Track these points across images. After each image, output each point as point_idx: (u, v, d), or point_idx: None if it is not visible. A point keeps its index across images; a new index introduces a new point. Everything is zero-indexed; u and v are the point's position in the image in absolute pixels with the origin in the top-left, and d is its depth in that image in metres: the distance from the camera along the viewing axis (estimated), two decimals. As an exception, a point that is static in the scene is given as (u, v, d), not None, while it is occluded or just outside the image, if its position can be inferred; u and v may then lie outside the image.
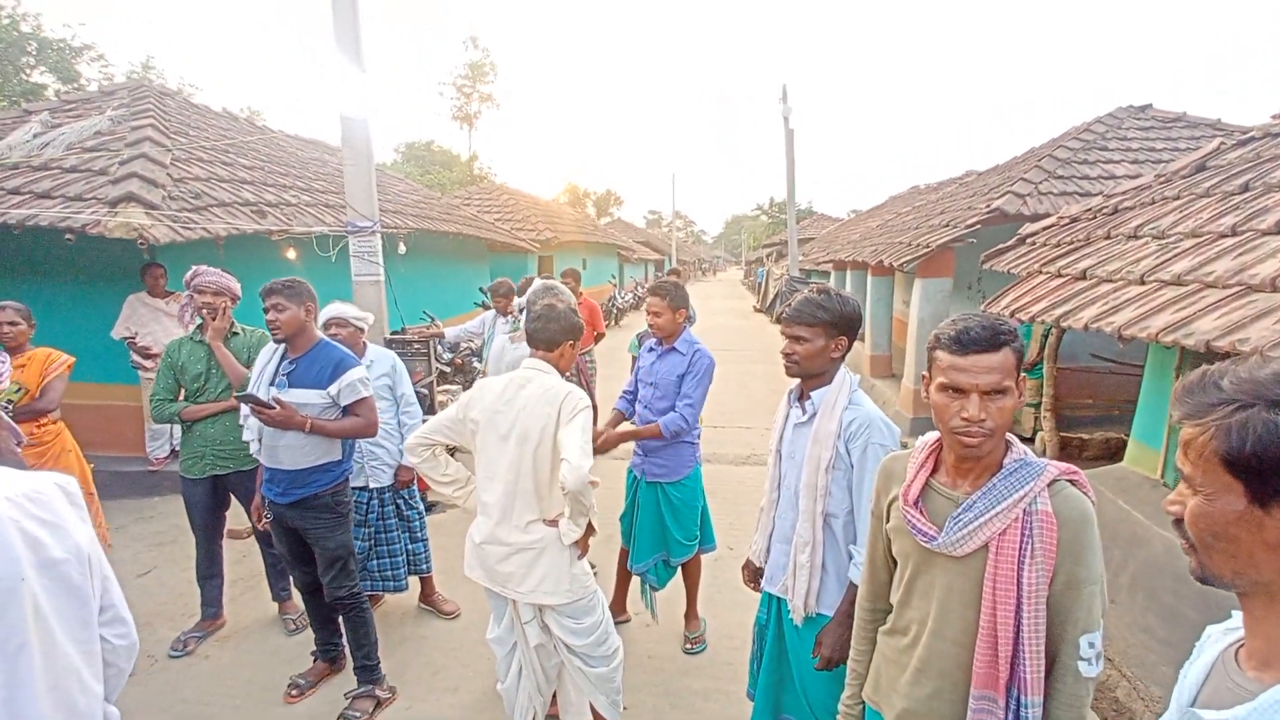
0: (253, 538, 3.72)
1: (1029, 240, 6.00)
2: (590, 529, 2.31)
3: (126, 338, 5.12)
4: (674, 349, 3.15)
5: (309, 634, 3.20)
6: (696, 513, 3.27)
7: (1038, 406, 6.59)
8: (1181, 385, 0.78)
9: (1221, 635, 0.84)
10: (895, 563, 1.52)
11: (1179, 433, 0.79)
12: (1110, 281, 3.77)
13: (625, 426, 3.27)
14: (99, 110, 6.54)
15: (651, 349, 3.27)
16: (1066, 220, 5.83)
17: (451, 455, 2.79)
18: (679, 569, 3.36)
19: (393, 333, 6.05)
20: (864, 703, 1.60)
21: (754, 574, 2.27)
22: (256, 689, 3.07)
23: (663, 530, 3.21)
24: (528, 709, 2.42)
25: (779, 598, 2.10)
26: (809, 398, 2.02)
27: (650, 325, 3.17)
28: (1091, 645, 1.27)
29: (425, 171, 28.61)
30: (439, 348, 6.61)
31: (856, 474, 1.91)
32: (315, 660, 3.13)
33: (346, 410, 2.78)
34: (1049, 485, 1.31)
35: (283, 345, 2.82)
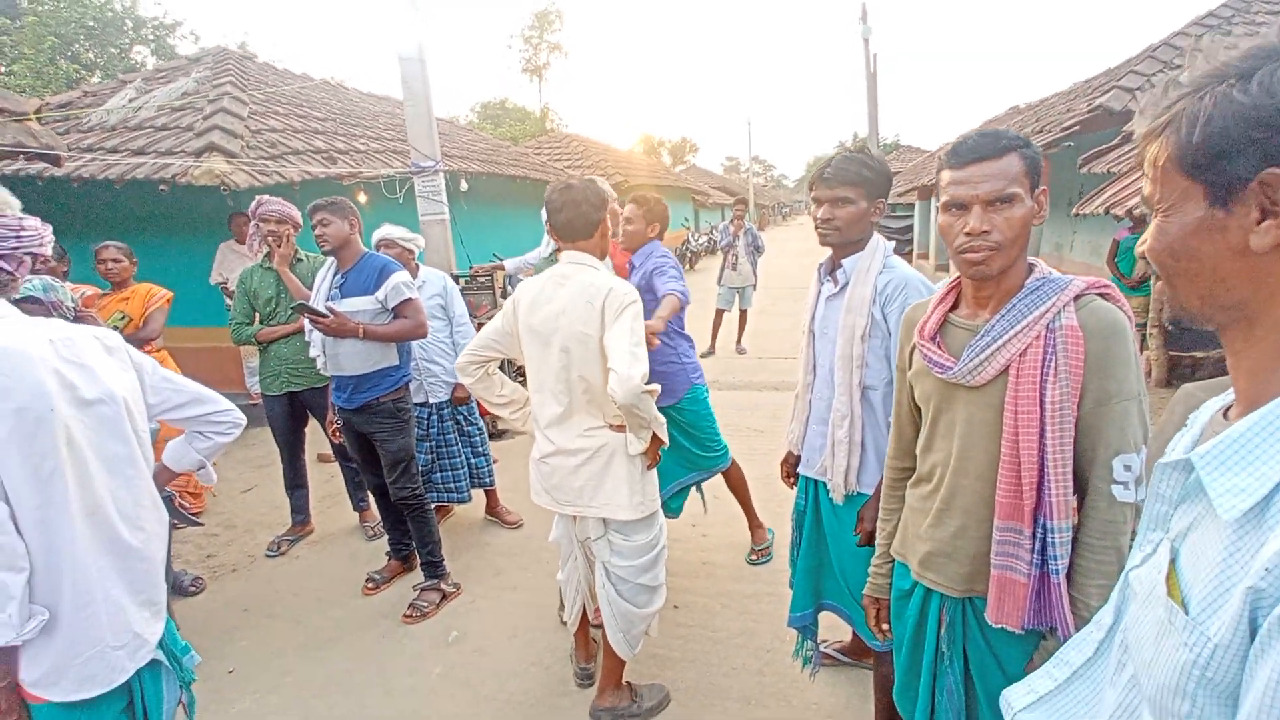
0: (336, 461, 3.99)
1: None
2: (657, 439, 2.10)
3: (220, 283, 5.53)
4: (631, 264, 3.01)
5: (385, 541, 3.43)
6: (713, 426, 3.15)
7: (1144, 326, 6.00)
8: (1145, 98, 0.66)
9: (1218, 401, 0.72)
10: (920, 413, 1.42)
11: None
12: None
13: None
14: (186, 75, 6.96)
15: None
16: (1181, 108, 5.15)
17: (516, 377, 2.81)
18: (690, 492, 3.29)
19: (460, 274, 6.22)
20: (892, 561, 1.53)
21: (792, 467, 2.20)
22: (338, 583, 3.34)
23: (681, 452, 3.10)
24: (576, 599, 2.46)
25: (817, 481, 2.03)
26: (840, 267, 1.89)
27: (623, 233, 2.98)
28: (1128, 468, 1.16)
29: (498, 126, 28.93)
30: (508, 285, 6.76)
31: (894, 340, 1.79)
32: (389, 559, 3.36)
33: (396, 314, 2.89)
34: (1075, 299, 1.20)
35: (334, 262, 2.98)
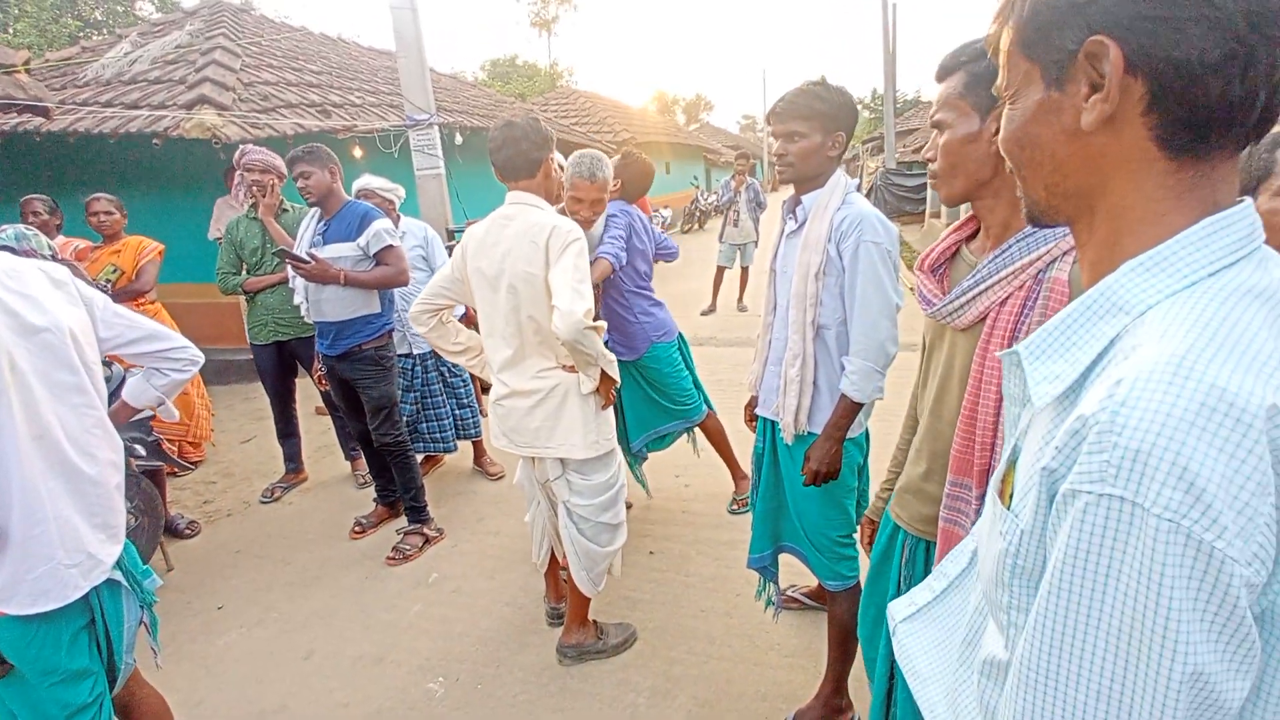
0: (328, 414, 4.06)
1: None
2: (608, 378, 2.11)
3: (218, 238, 5.56)
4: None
5: (375, 488, 3.51)
6: (680, 382, 3.14)
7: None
8: None
9: None
10: None
11: None
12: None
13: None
14: (180, 28, 6.89)
15: None
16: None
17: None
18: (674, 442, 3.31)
19: (455, 228, 6.20)
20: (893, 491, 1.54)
21: (753, 409, 2.19)
22: (328, 527, 3.44)
23: (652, 403, 3.12)
24: (544, 541, 2.48)
25: (773, 422, 2.03)
26: (800, 203, 1.86)
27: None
28: None
29: (507, 84, 28.46)
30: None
31: (848, 277, 1.76)
32: (376, 505, 3.44)
33: (377, 261, 2.91)
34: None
35: (318, 211, 2.99)
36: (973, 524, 1.20)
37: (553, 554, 2.51)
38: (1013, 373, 0.66)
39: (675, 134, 21.50)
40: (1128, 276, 0.54)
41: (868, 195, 16.82)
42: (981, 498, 1.18)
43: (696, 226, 17.40)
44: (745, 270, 7.84)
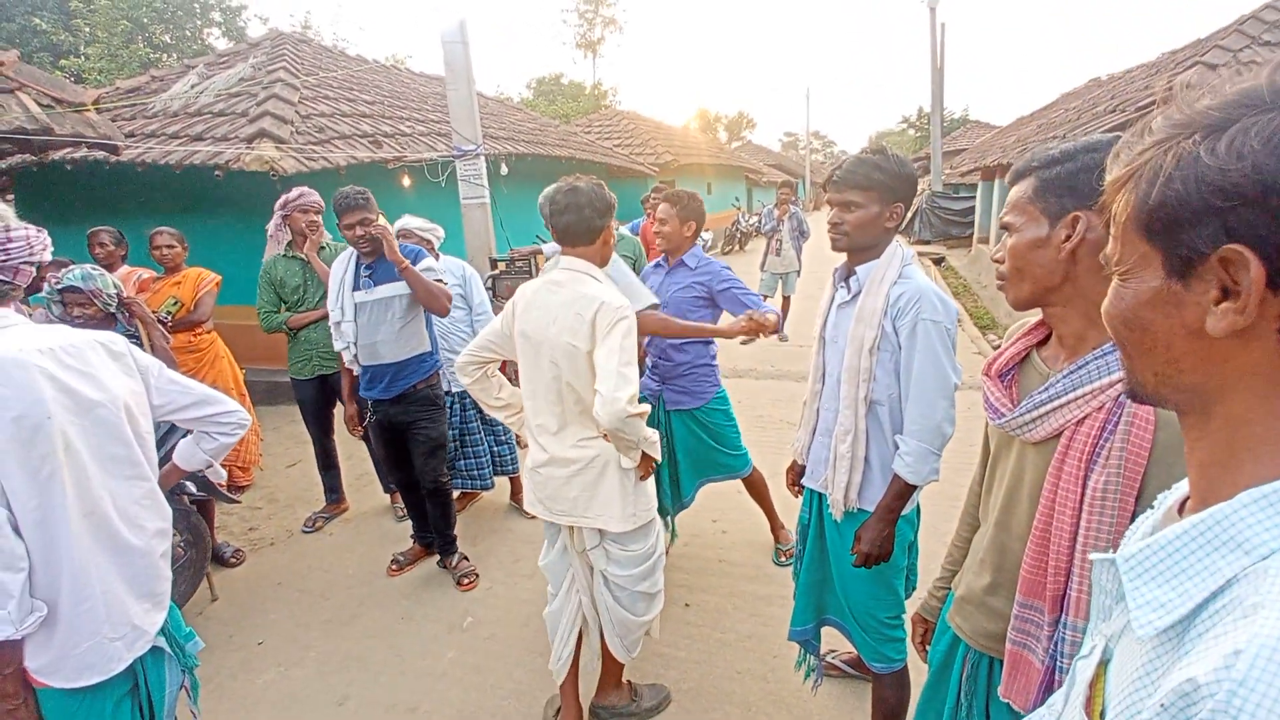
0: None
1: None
2: (648, 457, 2.03)
3: (272, 263, 5.75)
4: (682, 263, 2.91)
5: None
6: (736, 429, 3.12)
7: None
8: (1122, 140, 0.57)
9: (1181, 487, 0.65)
10: None
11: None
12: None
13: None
14: (244, 60, 7.20)
15: (658, 265, 3.01)
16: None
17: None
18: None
19: (499, 258, 6.27)
20: (950, 590, 1.46)
21: (797, 476, 2.13)
22: (367, 562, 3.47)
23: (709, 453, 3.06)
24: (569, 639, 2.23)
25: (820, 494, 1.96)
26: (854, 274, 1.80)
27: (656, 233, 2.92)
28: None
29: (552, 103, 28.96)
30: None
31: (905, 355, 1.69)
32: (414, 543, 3.46)
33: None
34: None
35: (354, 252, 3.03)
36: (1044, 650, 1.12)
37: (575, 660, 2.25)
38: (1107, 569, 0.60)
39: (717, 154, 21.51)
40: (1250, 510, 0.48)
41: (912, 219, 16.50)
42: (1054, 623, 1.11)
43: (737, 248, 17.31)
44: (787, 300, 7.74)
